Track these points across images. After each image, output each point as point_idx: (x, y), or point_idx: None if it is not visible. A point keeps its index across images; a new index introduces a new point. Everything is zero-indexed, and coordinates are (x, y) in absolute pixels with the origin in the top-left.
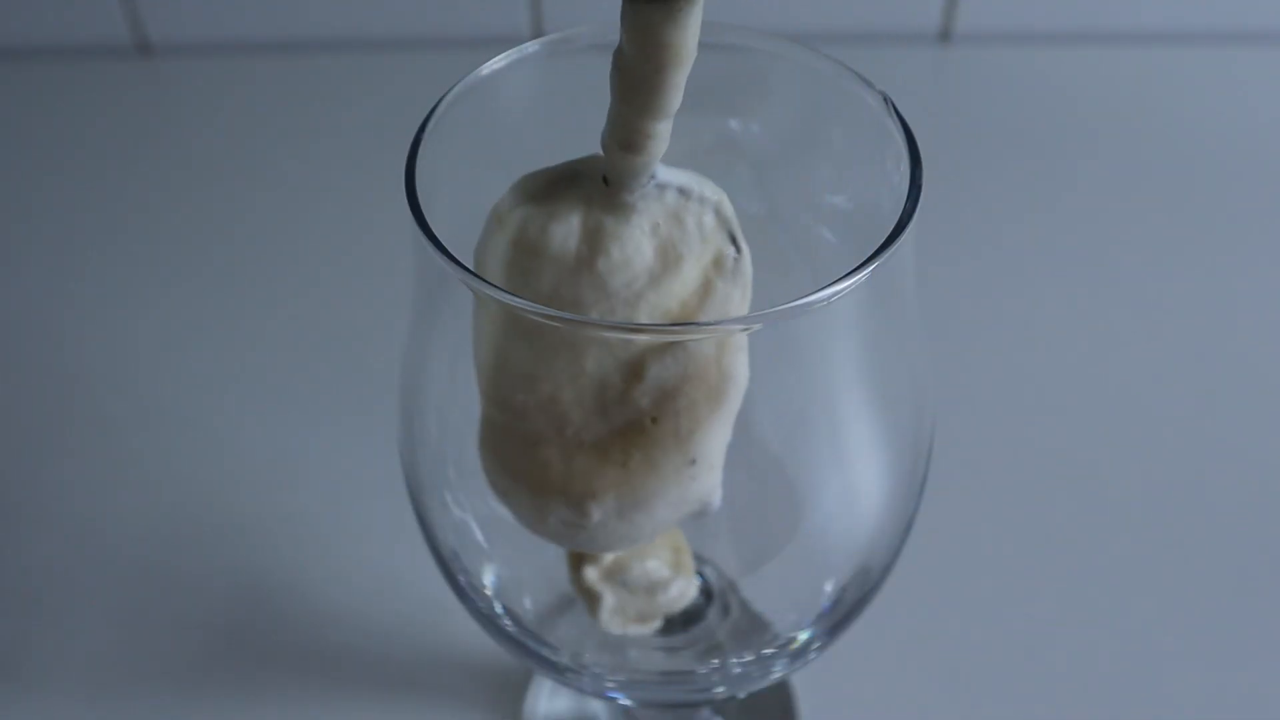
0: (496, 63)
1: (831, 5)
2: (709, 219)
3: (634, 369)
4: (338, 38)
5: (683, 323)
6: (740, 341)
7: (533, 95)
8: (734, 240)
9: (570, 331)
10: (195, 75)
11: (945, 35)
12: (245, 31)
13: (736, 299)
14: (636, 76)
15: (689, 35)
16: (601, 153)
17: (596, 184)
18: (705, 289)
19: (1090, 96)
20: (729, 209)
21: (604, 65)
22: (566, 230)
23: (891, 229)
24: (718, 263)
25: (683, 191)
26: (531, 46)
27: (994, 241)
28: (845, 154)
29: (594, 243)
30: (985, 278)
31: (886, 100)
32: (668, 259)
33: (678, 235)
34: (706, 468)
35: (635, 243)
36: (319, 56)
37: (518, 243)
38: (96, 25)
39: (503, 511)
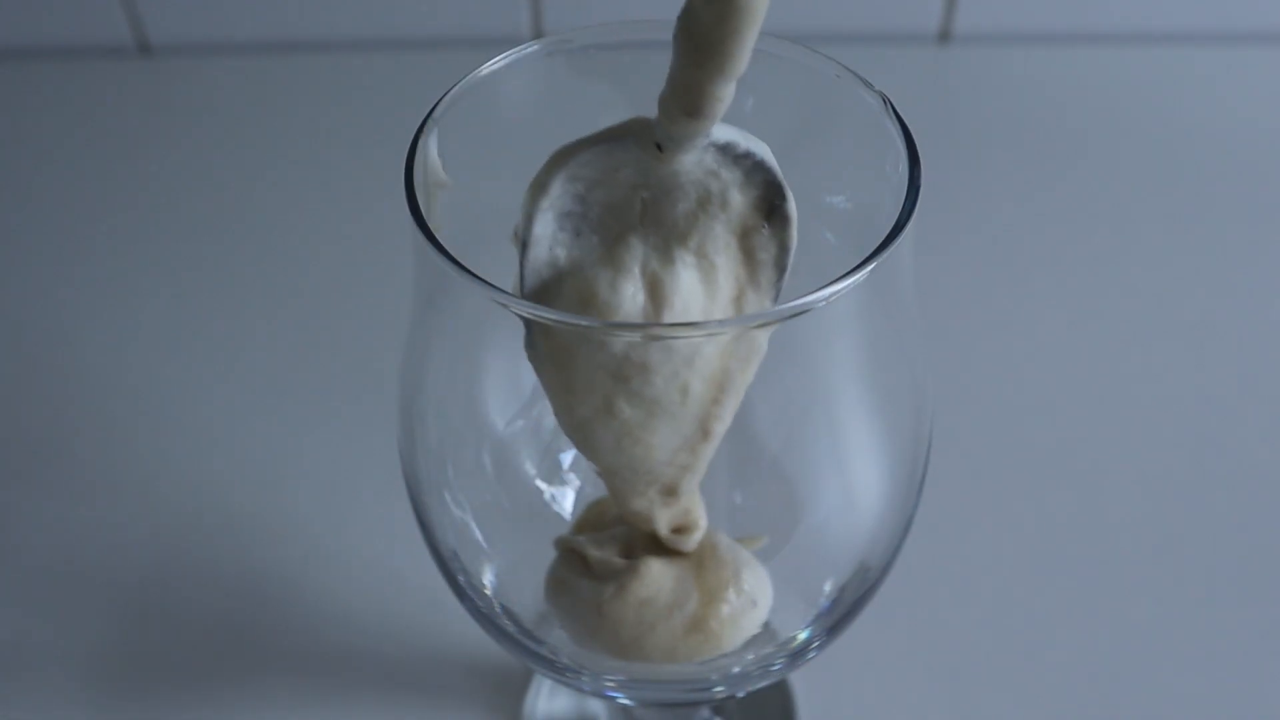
0: (496, 63)
1: (831, 5)
2: (734, 194)
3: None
4: (338, 38)
5: (686, 322)
6: None
7: (533, 95)
8: (774, 196)
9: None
10: (195, 75)
11: (945, 36)
12: (245, 31)
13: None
14: (708, 39)
15: None
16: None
17: (646, 148)
18: (738, 303)
19: (1090, 97)
20: (769, 159)
21: (604, 65)
22: (634, 286)
23: (890, 229)
24: (747, 245)
25: (723, 149)
26: (531, 46)
27: (993, 241)
28: (845, 154)
29: (656, 295)
30: (984, 277)
31: (886, 101)
32: (705, 272)
33: (704, 228)
34: None
35: (689, 284)
36: (319, 56)
37: (588, 302)
38: (96, 25)
39: (500, 510)
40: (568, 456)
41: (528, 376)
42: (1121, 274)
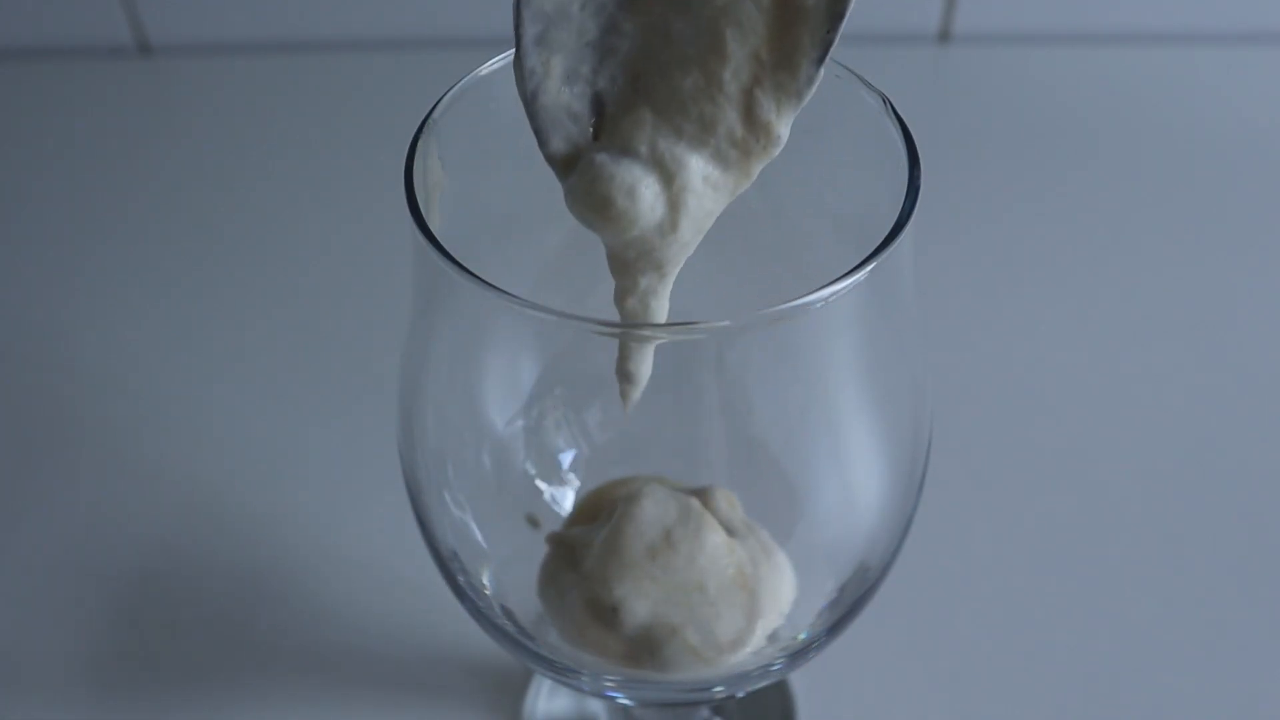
0: (496, 63)
1: None
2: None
3: None
4: (338, 38)
5: (682, 322)
6: None
7: None
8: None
9: None
10: (195, 75)
11: (945, 35)
12: (245, 31)
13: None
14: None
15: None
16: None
17: None
18: (749, 96)
19: (1089, 96)
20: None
21: None
22: (654, 193)
23: (890, 229)
24: None
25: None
26: None
27: (992, 241)
28: (845, 154)
29: (673, 197)
30: (984, 277)
31: (885, 101)
32: (709, 80)
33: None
34: None
35: (699, 171)
36: (319, 56)
37: (606, 208)
38: (96, 25)
39: (500, 510)
40: (568, 456)
41: (528, 376)
42: (1121, 273)
